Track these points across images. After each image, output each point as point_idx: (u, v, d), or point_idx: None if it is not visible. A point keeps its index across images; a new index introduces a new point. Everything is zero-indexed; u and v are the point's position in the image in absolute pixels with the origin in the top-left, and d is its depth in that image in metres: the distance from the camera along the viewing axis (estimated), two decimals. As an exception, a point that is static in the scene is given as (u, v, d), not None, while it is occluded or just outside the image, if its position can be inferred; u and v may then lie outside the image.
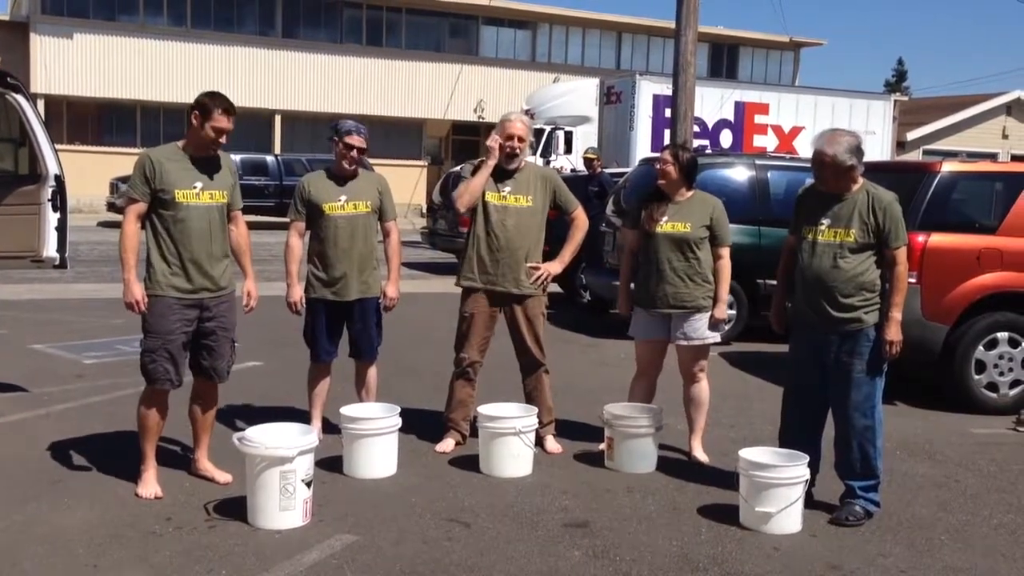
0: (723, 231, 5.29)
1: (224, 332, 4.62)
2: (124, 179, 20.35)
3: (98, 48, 27.55)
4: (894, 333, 4.37)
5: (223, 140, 4.47)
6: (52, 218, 6.63)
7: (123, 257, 4.38)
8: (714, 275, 5.27)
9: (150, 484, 4.50)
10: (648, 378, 5.47)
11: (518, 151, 5.24)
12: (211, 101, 4.41)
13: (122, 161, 22.19)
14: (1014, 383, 6.74)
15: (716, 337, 5.35)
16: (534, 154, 21.18)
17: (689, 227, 5.19)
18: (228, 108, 4.42)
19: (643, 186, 6.53)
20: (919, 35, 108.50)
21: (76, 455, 5.06)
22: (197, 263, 4.44)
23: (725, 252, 5.31)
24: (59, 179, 6.61)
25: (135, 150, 24.27)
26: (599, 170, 12.10)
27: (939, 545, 4.21)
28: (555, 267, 5.39)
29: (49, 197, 6.62)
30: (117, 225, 4.52)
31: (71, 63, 27.22)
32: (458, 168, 17.70)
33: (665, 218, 5.23)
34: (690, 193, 5.32)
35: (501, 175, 5.29)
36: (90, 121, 28.52)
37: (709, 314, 5.24)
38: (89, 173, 23.75)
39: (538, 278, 5.31)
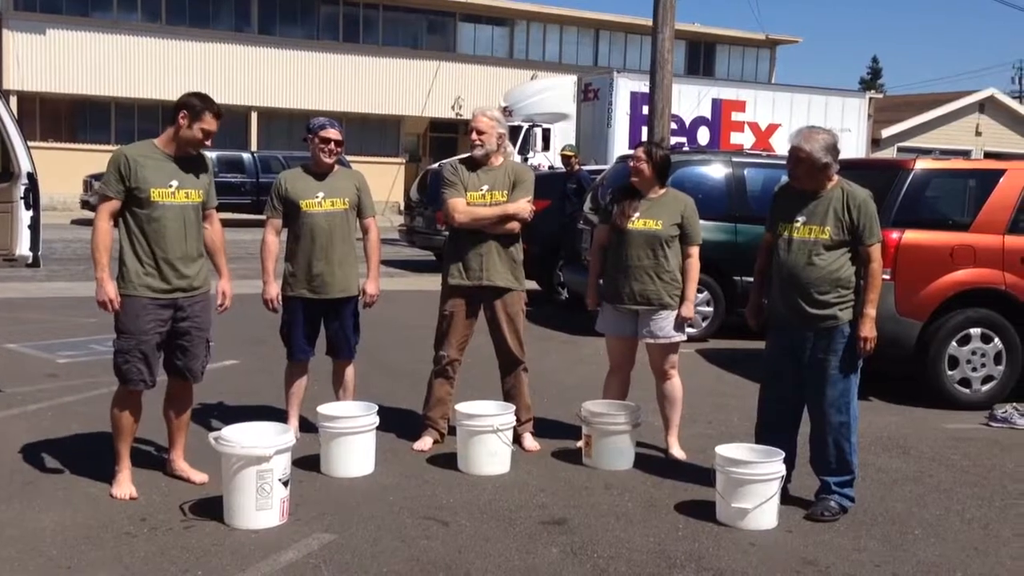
0: (693, 230, 5.30)
1: (199, 332, 4.58)
2: (98, 176, 20.01)
3: (71, 44, 27.24)
4: (868, 330, 4.40)
5: (208, 142, 4.49)
6: (25, 216, 6.57)
7: (95, 256, 4.33)
8: (682, 274, 5.28)
9: (125, 485, 4.46)
10: (621, 373, 5.48)
11: (476, 143, 5.29)
12: (201, 103, 4.40)
13: (96, 158, 21.94)
14: (986, 379, 6.80)
15: (682, 336, 5.36)
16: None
17: (660, 225, 5.20)
18: (218, 111, 4.45)
19: (620, 183, 6.56)
20: (894, 33, 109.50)
21: (49, 456, 5.01)
22: (171, 263, 4.40)
23: (694, 251, 5.31)
24: (32, 177, 6.56)
25: (109, 147, 24.02)
26: (577, 167, 12.09)
27: (913, 539, 4.25)
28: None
29: (22, 195, 6.56)
30: (91, 223, 4.47)
31: (44, 59, 26.89)
32: (436, 165, 17.70)
33: (637, 215, 5.24)
34: (662, 191, 5.33)
35: (479, 171, 5.32)
36: (64, 118, 28.20)
37: (676, 312, 5.25)
38: (63, 171, 23.51)
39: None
